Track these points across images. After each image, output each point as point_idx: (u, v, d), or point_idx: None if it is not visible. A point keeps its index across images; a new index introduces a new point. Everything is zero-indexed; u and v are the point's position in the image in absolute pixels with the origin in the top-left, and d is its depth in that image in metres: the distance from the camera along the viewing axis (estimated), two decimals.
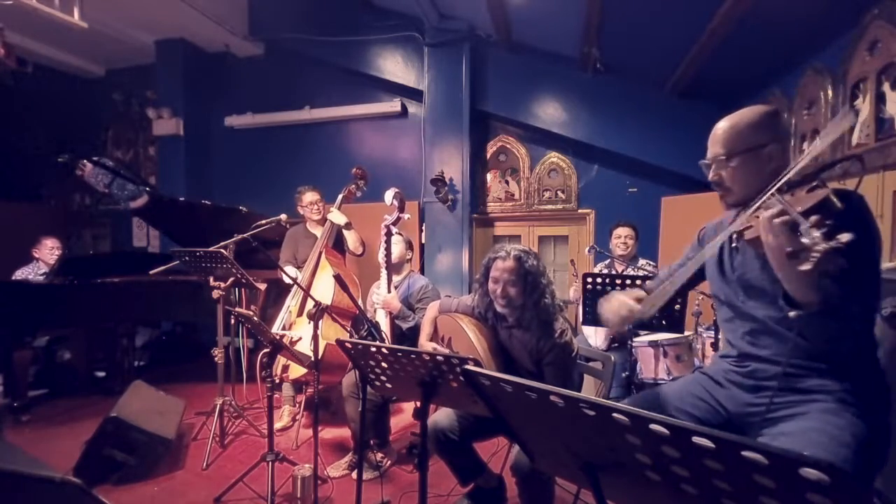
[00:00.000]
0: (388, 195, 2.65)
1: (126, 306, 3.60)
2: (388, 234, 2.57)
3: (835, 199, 0.90)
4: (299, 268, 3.22)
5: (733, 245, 1.27)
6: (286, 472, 2.23)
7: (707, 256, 1.29)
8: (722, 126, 1.23)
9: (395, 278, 2.73)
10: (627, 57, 3.99)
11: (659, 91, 4.20)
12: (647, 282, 1.69)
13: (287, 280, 2.40)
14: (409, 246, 2.88)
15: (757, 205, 1.05)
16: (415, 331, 2.49)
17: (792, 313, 0.98)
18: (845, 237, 0.81)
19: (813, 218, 0.85)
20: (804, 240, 0.85)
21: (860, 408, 1.08)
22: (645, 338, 2.74)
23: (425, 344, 2.16)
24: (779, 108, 3.13)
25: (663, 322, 2.20)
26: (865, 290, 1.03)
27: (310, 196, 3.27)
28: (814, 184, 0.98)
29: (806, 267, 0.85)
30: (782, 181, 1.02)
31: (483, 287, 1.95)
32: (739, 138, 1.19)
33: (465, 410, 1.77)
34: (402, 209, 2.62)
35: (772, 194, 1.01)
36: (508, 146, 4.91)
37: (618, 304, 1.47)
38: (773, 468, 0.52)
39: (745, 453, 0.53)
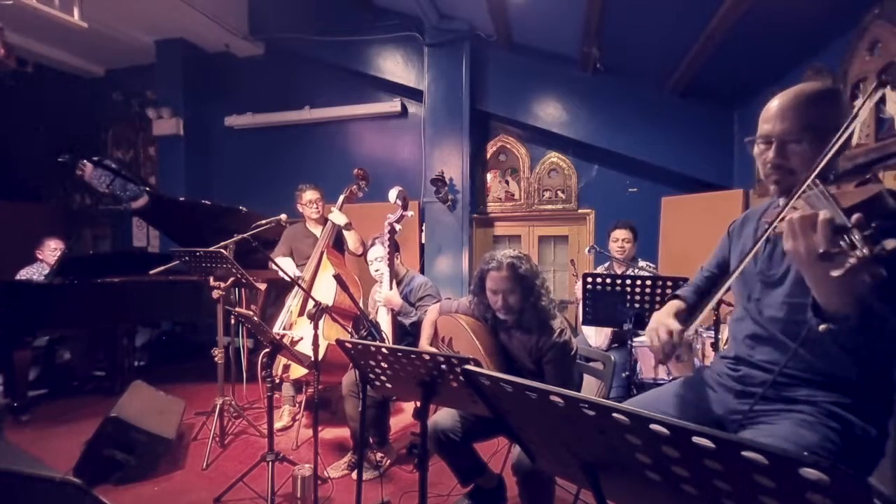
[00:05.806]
0: (392, 193, 2.67)
1: (126, 306, 3.60)
2: (392, 232, 2.58)
3: (888, 198, 0.79)
4: (299, 266, 3.22)
5: (767, 237, 1.10)
6: (286, 472, 2.23)
7: (750, 256, 1.09)
8: (790, 99, 1.04)
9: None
10: (627, 57, 3.99)
11: (659, 91, 4.20)
12: (680, 289, 1.51)
13: (282, 275, 2.40)
14: (395, 249, 2.72)
15: (798, 194, 0.91)
16: (417, 326, 2.50)
17: (822, 327, 0.85)
18: (891, 244, 0.69)
19: (856, 216, 0.74)
20: (841, 241, 0.74)
21: (845, 423, 1.00)
22: (645, 338, 2.73)
23: (425, 347, 2.16)
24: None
25: None
26: None
27: (310, 194, 3.27)
28: (866, 177, 0.85)
29: (837, 273, 0.74)
30: (821, 167, 0.88)
31: (479, 296, 1.95)
32: (817, 114, 1.01)
33: (465, 410, 1.77)
34: (405, 208, 2.64)
35: (815, 183, 0.86)
36: (508, 146, 4.91)
37: (656, 324, 1.28)
38: (773, 468, 0.52)
39: (745, 453, 0.53)
